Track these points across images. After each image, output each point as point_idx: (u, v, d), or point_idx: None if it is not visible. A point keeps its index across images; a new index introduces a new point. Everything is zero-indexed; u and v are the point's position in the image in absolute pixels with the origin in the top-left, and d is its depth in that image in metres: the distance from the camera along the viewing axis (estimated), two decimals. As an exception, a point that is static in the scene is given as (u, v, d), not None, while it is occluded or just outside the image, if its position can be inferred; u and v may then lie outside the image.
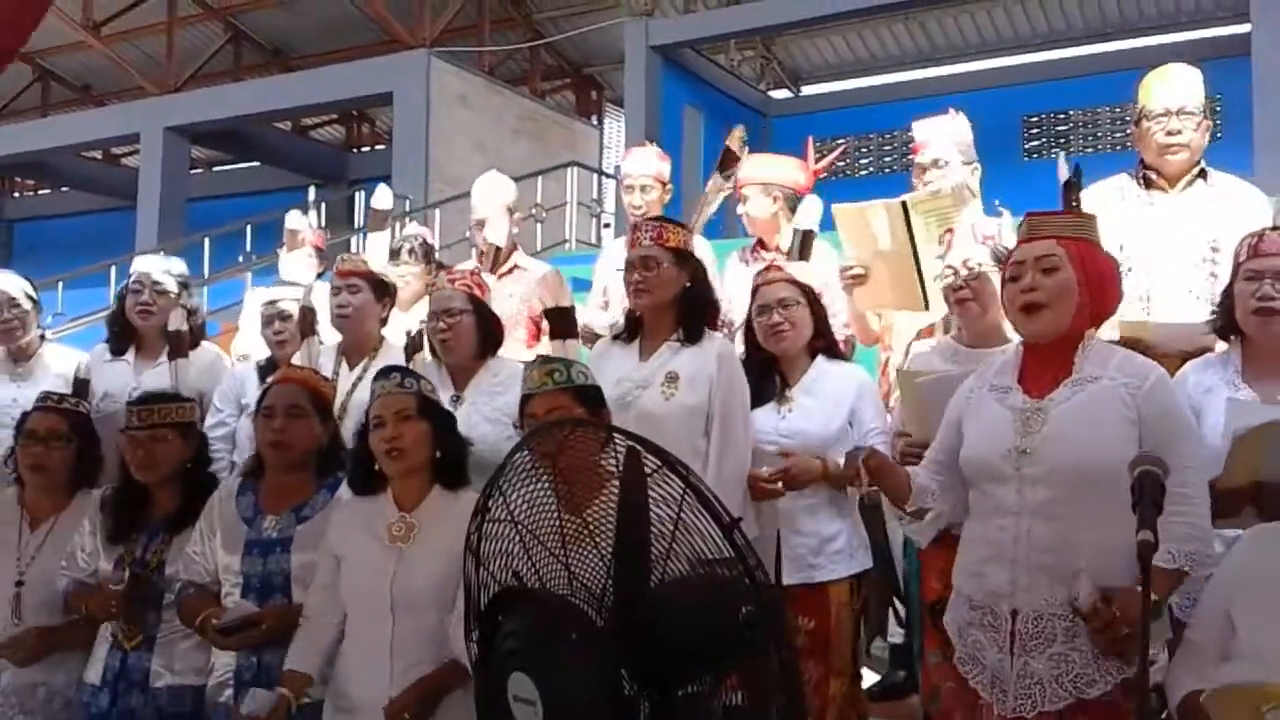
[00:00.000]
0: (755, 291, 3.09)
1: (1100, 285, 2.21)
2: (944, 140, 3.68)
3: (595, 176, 12.93)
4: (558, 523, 1.82)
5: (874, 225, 3.30)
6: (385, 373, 2.63)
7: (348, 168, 15.91)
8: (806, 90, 14.50)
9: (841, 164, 13.14)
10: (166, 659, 2.75)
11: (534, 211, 10.15)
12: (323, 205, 11.14)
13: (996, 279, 2.80)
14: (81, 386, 3.33)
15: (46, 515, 3.03)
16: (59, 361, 3.85)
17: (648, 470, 1.69)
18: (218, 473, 3.12)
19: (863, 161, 13.12)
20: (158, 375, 3.62)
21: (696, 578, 1.65)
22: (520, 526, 1.88)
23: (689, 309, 2.97)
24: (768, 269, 3.16)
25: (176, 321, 3.55)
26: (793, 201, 3.79)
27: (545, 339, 3.66)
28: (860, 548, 2.95)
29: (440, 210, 10.53)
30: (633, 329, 3.05)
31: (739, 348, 3.20)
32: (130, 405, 2.93)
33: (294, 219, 4.46)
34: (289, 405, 2.73)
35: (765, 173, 3.94)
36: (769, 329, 3.02)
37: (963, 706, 2.26)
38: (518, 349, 3.65)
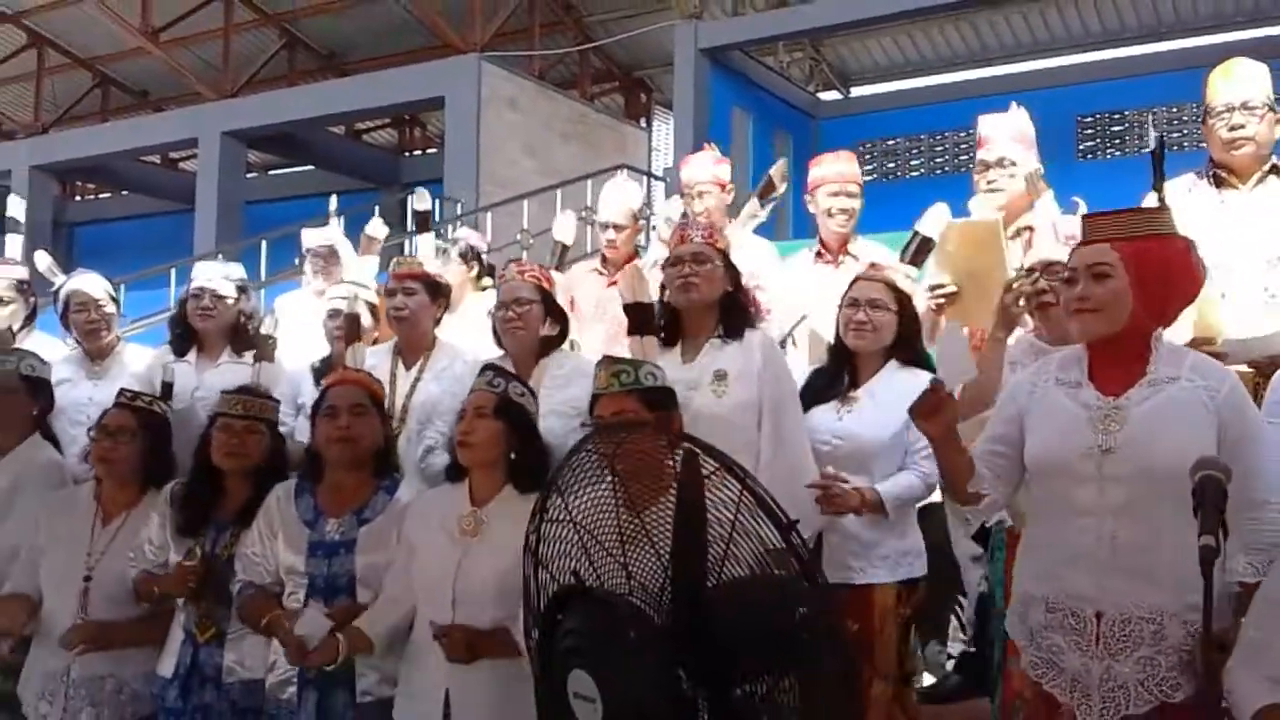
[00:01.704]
0: (853, 284, 3.07)
1: (1163, 282, 2.15)
2: (1007, 137, 3.63)
3: (644, 179, 12.96)
4: (616, 523, 1.85)
5: (976, 240, 3.28)
6: (484, 370, 2.70)
7: (400, 171, 16.07)
8: (856, 92, 14.42)
9: (891, 165, 13.08)
10: (238, 654, 2.80)
11: (584, 214, 10.22)
12: (376, 208, 11.25)
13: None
14: (166, 388, 3.41)
15: (119, 512, 3.09)
16: (136, 360, 3.93)
17: (705, 472, 1.72)
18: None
19: (914, 163, 13.01)
20: (219, 375, 3.69)
21: (754, 579, 1.67)
22: (579, 527, 1.92)
23: (731, 309, 3.00)
24: (873, 266, 3.17)
25: (268, 327, 3.65)
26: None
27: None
28: (909, 555, 2.95)
29: (491, 213, 10.62)
30: (671, 332, 3.07)
31: (828, 334, 3.19)
32: (229, 393, 3.00)
33: (373, 227, 4.57)
34: (353, 404, 2.78)
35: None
36: (851, 323, 3.01)
37: (1043, 714, 2.21)
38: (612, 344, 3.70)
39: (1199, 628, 1.89)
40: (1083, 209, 3.30)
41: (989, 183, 3.59)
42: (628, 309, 3.15)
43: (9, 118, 17.35)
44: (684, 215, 3.97)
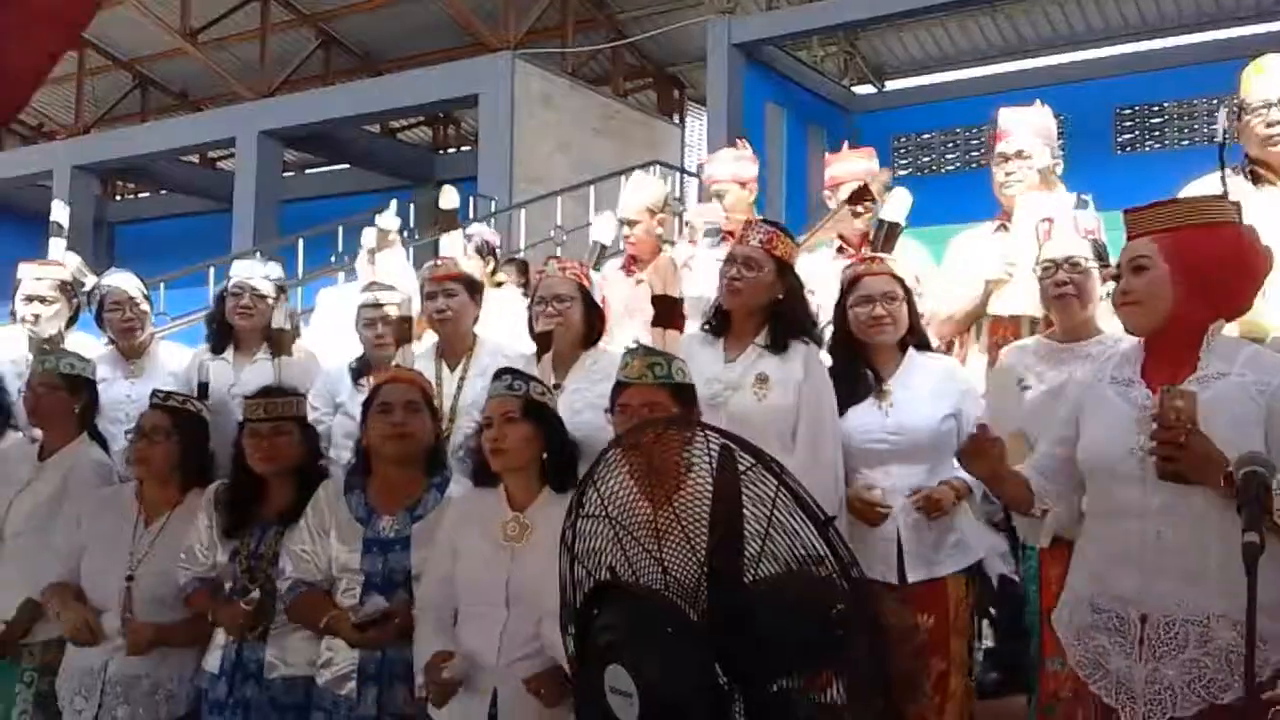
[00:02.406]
0: (856, 281, 3.03)
1: (1208, 272, 2.10)
2: (1026, 131, 3.63)
3: (678, 175, 12.96)
4: (651, 518, 1.86)
5: None
6: (499, 375, 2.68)
7: (435, 169, 16.16)
8: (891, 85, 14.34)
9: (926, 159, 13.00)
10: (280, 650, 2.82)
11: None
12: (411, 206, 11.33)
13: (1098, 275, 2.76)
14: (202, 388, 3.44)
15: (160, 512, 3.11)
16: (171, 359, 3.98)
17: (741, 468, 1.72)
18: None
19: (949, 157, 12.93)
20: (256, 372, 3.72)
21: (790, 574, 1.67)
22: (615, 523, 1.92)
23: (779, 320, 2.97)
24: (872, 260, 3.12)
25: (280, 320, 3.66)
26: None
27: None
28: (978, 540, 2.95)
29: (524, 210, 10.66)
30: (720, 325, 3.06)
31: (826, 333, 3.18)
32: (250, 398, 3.00)
33: (385, 220, 4.57)
34: (407, 401, 2.80)
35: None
36: (870, 320, 2.96)
37: (1083, 713, 2.20)
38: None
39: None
40: (1091, 207, 3.28)
41: (1007, 174, 3.60)
42: (655, 300, 3.15)
43: (51, 119, 17.61)
44: (712, 230, 3.92)
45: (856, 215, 3.89)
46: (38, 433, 3.51)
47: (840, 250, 3.93)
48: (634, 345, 2.74)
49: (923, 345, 3.09)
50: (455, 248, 4.05)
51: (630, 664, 1.74)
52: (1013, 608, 3.56)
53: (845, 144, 4.06)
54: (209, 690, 2.88)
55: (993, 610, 3.69)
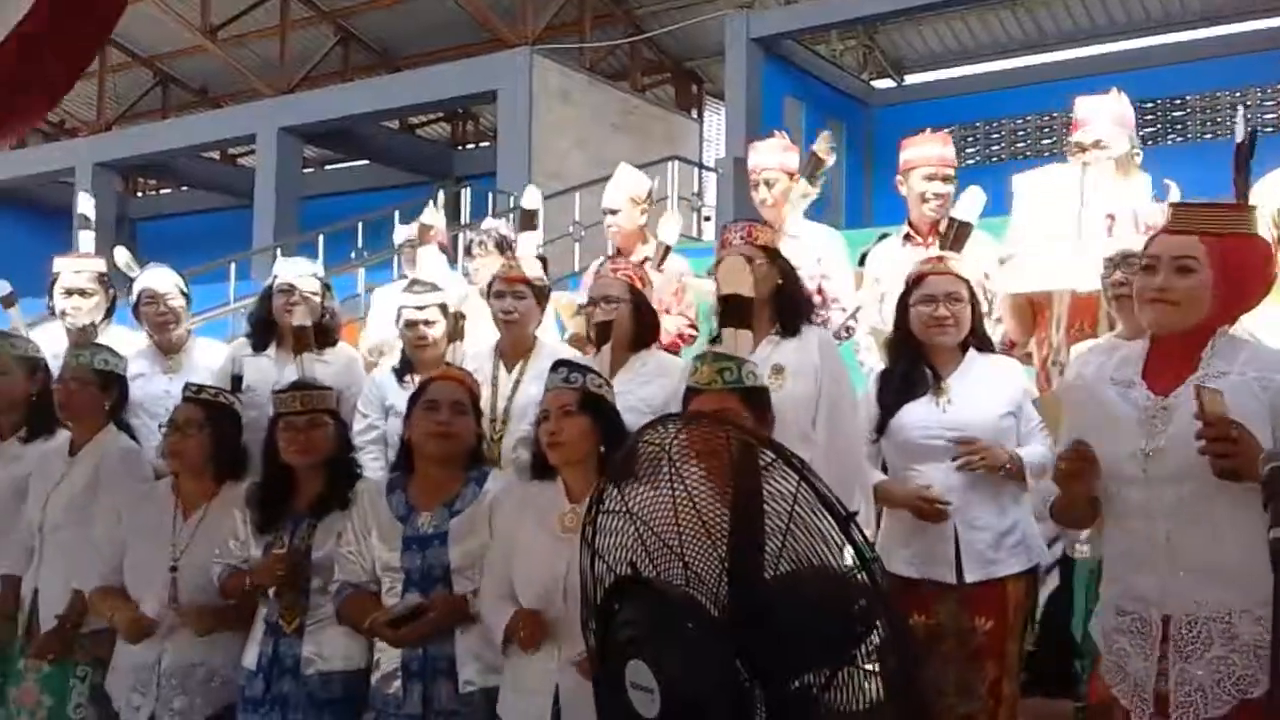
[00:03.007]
0: (922, 279, 2.99)
1: (1240, 282, 2.11)
2: (1105, 119, 3.55)
3: (696, 170, 12.95)
4: (674, 514, 1.86)
5: None
6: (554, 368, 2.68)
7: (453, 165, 16.20)
8: (910, 79, 14.28)
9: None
10: (316, 645, 2.83)
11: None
12: (431, 202, 11.37)
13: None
14: (235, 380, 3.47)
15: (198, 504, 3.13)
16: (207, 355, 4.01)
17: (762, 463, 1.72)
18: (373, 474, 3.20)
19: (969, 151, 12.86)
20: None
21: (811, 571, 1.67)
22: (635, 518, 1.93)
23: (784, 304, 2.97)
24: (937, 259, 3.08)
25: (300, 317, 3.68)
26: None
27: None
28: (1036, 538, 2.91)
29: (543, 205, 10.65)
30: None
31: (886, 326, 3.16)
32: (282, 393, 3.02)
33: (428, 215, 4.60)
34: (453, 401, 2.80)
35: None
36: (933, 320, 2.91)
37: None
38: None
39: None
40: (1175, 192, 3.21)
41: (1084, 165, 3.51)
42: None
43: (73, 116, 17.72)
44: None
45: (813, 185, 4.01)
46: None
47: (907, 238, 3.89)
48: (704, 350, 2.72)
49: (984, 347, 3.03)
50: (531, 248, 4.04)
51: (651, 659, 1.75)
52: (1056, 613, 3.54)
53: (923, 134, 4.01)
54: (246, 687, 2.89)
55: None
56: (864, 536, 1.60)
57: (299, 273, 3.92)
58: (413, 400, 2.87)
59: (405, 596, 2.70)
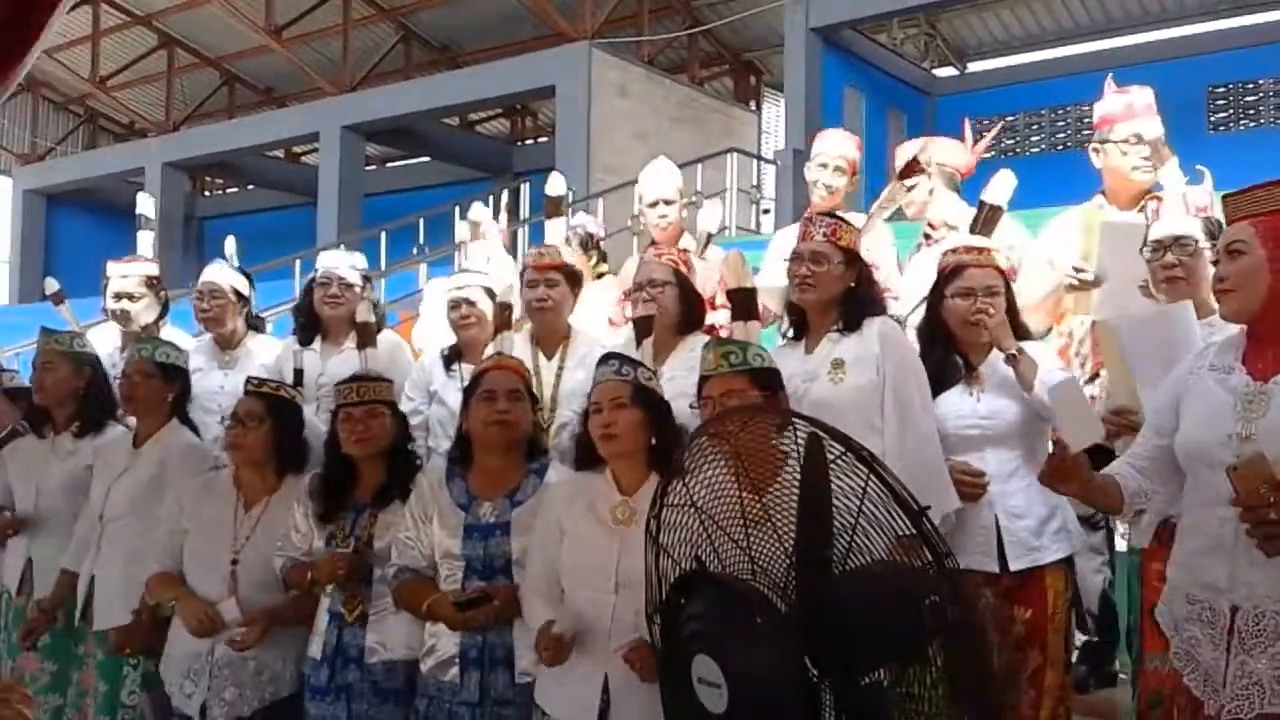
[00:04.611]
0: (959, 270, 2.93)
1: None
2: (1149, 114, 3.48)
3: (754, 162, 12.88)
4: (739, 507, 1.85)
5: (1134, 241, 3.11)
6: (605, 359, 2.68)
7: (512, 161, 16.30)
8: (973, 67, 14.08)
9: (1011, 142, 12.73)
10: (380, 635, 2.86)
11: (694, 199, 10.23)
12: (490, 198, 11.46)
13: (1209, 255, 2.66)
14: (297, 374, 3.51)
15: (260, 497, 3.17)
16: (262, 351, 4.05)
17: (830, 457, 1.70)
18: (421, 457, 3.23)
19: (1034, 139, 12.65)
20: (343, 362, 3.76)
21: (881, 565, 1.65)
22: (701, 512, 1.92)
23: (851, 305, 2.93)
24: (977, 250, 3.01)
25: (364, 313, 3.72)
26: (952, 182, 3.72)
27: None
28: (1074, 523, 2.87)
29: (602, 199, 10.69)
30: (798, 326, 3.04)
31: (916, 317, 3.12)
32: (342, 384, 3.06)
33: (477, 211, 4.62)
34: (510, 389, 2.82)
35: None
36: (972, 314, 2.87)
37: (1179, 709, 2.16)
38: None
39: None
40: (1208, 179, 3.14)
41: (1144, 158, 3.44)
42: (730, 294, 3.12)
43: (142, 117, 18.10)
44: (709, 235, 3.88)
45: (908, 190, 3.83)
46: (131, 420, 3.61)
47: (926, 238, 3.86)
48: (710, 339, 2.73)
49: (1020, 336, 2.95)
50: (558, 235, 4.03)
51: (718, 655, 1.74)
52: (1106, 604, 3.49)
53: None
54: (310, 676, 2.93)
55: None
56: (936, 531, 1.58)
57: (337, 264, 3.94)
58: (469, 391, 2.89)
59: (466, 585, 2.71)
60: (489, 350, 3.37)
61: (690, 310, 3.30)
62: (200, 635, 3.00)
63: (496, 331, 3.46)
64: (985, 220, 3.26)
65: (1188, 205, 2.89)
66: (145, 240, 4.68)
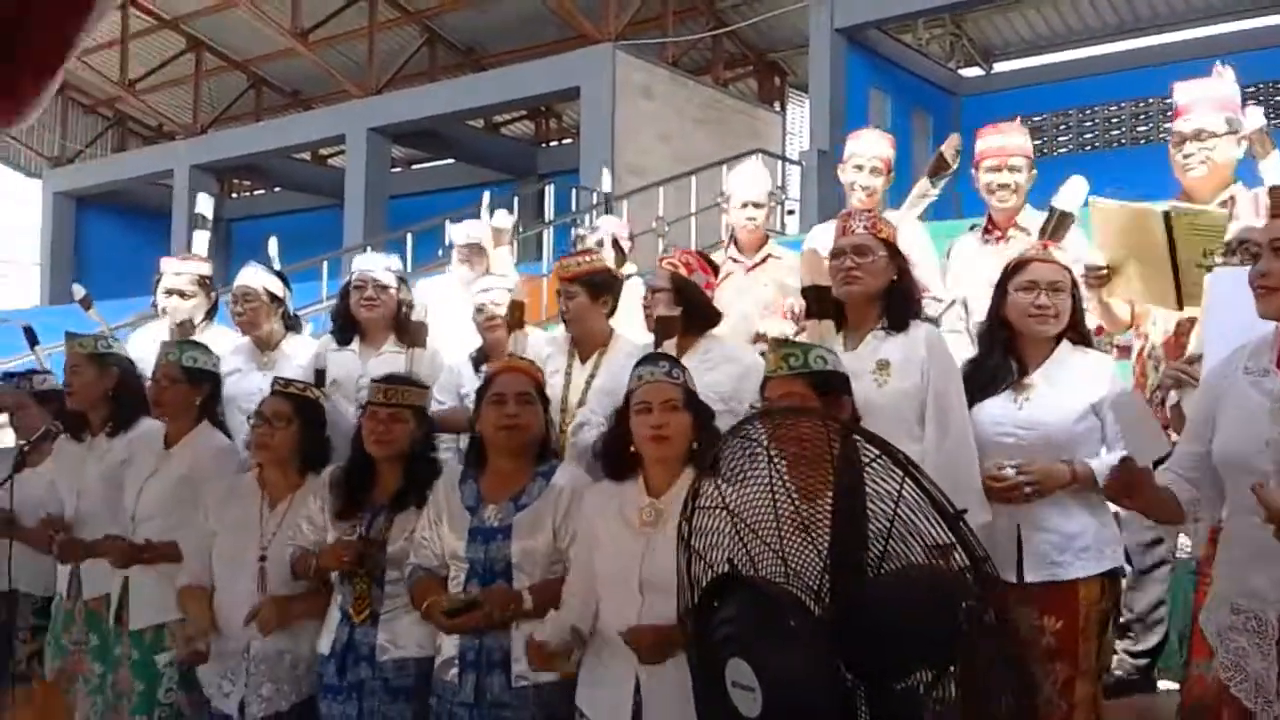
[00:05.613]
0: (1024, 264, 2.87)
1: None
2: (1207, 106, 3.32)
3: (779, 164, 12.85)
4: (773, 511, 1.84)
5: (1134, 224, 3.07)
6: (653, 359, 2.68)
7: (537, 162, 16.34)
8: (999, 67, 14.01)
9: (1038, 142, 12.64)
10: (391, 633, 2.88)
11: (719, 200, 10.21)
12: (515, 199, 11.49)
13: None
14: (319, 375, 3.54)
15: (284, 496, 3.20)
16: (299, 352, 4.07)
17: (866, 459, 1.69)
18: (445, 461, 3.24)
19: (1061, 139, 12.56)
20: (383, 363, 3.77)
21: (917, 570, 1.63)
22: (734, 514, 1.91)
23: (895, 301, 2.91)
24: (1042, 246, 2.97)
25: (420, 314, 3.75)
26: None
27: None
28: (1111, 544, 2.82)
29: (626, 201, 10.69)
30: (837, 319, 3.03)
31: (973, 319, 3.09)
32: (376, 382, 3.09)
33: (499, 219, 4.64)
34: (520, 393, 2.83)
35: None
36: (1035, 309, 2.79)
37: (1226, 717, 2.13)
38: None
39: None
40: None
41: (1185, 156, 3.30)
42: (805, 292, 3.09)
43: (170, 119, 18.25)
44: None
45: (934, 185, 3.81)
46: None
47: (986, 232, 3.80)
48: (775, 338, 2.71)
49: (1082, 341, 2.90)
50: (504, 264, 4.17)
51: (752, 658, 1.73)
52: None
53: (992, 125, 3.90)
54: (322, 672, 2.95)
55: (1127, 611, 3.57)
56: (973, 535, 1.56)
57: (372, 266, 3.96)
58: (480, 394, 2.91)
59: (466, 587, 2.74)
60: (509, 349, 3.39)
61: (690, 311, 3.27)
62: (188, 662, 3.08)
63: (509, 330, 3.48)
64: (1056, 226, 3.22)
65: (1258, 206, 2.84)
66: (201, 240, 4.71)
